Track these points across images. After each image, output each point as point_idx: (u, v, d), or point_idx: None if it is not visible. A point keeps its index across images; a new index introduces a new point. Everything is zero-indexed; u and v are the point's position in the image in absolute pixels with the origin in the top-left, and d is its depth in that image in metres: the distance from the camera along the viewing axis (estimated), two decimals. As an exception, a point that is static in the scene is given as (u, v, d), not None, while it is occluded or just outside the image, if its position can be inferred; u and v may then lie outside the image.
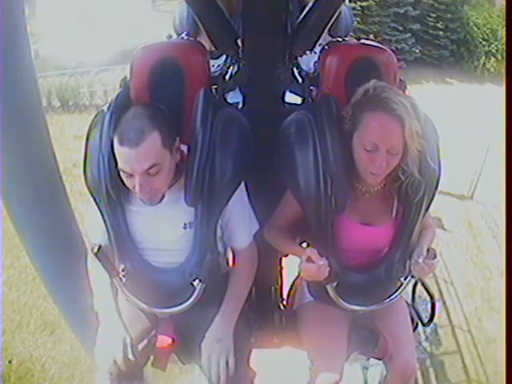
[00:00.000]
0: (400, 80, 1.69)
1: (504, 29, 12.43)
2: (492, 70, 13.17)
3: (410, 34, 12.98)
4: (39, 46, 10.53)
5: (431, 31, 13.13)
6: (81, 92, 10.81)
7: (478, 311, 6.13)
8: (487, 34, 13.34)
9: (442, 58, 13.46)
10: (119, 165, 1.47)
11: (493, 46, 13.21)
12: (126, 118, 1.47)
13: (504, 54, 12.50)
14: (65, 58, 11.20)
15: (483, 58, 13.30)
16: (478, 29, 13.41)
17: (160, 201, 1.55)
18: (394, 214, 1.65)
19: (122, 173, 1.48)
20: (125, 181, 1.50)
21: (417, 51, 13.22)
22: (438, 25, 13.02)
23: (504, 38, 12.30)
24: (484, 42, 13.33)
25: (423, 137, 1.50)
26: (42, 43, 10.98)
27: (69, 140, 8.26)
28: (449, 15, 13.07)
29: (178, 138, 1.52)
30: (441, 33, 13.11)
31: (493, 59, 13.17)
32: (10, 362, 5.25)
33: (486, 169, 7.45)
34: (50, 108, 10.19)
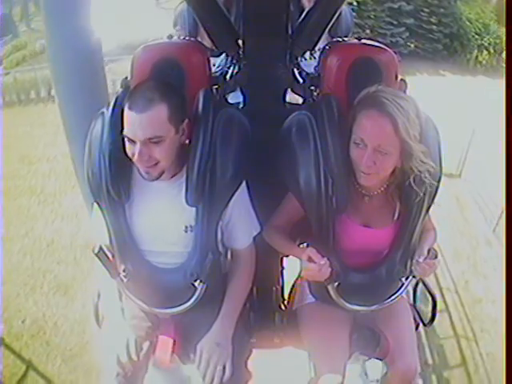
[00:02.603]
0: (401, 80, 1.68)
1: (496, 23, 12.55)
2: (484, 62, 13.22)
3: (404, 28, 12.95)
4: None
5: (425, 25, 13.12)
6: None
7: (464, 275, 6.32)
8: (479, 29, 13.38)
9: (436, 52, 13.46)
10: (124, 130, 1.46)
11: (485, 39, 13.24)
12: (139, 87, 1.48)
13: (496, 48, 12.64)
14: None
15: (476, 51, 13.32)
16: (471, 23, 13.45)
17: (157, 178, 1.51)
18: (395, 217, 1.64)
19: (125, 139, 1.47)
20: (127, 149, 1.47)
21: (411, 45, 13.19)
22: (432, 19, 13.02)
23: (497, 33, 12.45)
24: (476, 36, 13.36)
25: (424, 139, 1.49)
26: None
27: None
28: (442, 10, 13.07)
29: (186, 121, 1.51)
30: (434, 27, 13.11)
31: (485, 52, 13.21)
32: (22, 321, 5.30)
33: (471, 150, 8.01)
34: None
